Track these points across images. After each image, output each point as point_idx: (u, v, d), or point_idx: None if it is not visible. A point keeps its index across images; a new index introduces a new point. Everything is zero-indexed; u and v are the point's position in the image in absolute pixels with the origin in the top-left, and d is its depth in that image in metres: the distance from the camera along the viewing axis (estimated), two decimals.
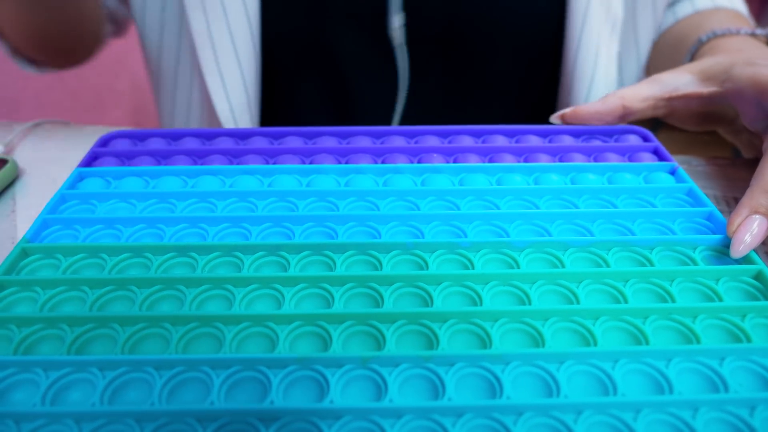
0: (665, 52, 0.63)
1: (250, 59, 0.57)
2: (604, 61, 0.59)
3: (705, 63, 0.45)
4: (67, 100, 1.22)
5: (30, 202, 0.44)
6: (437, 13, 0.58)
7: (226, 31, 0.55)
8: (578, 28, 0.57)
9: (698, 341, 0.29)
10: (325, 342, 0.29)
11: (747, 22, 0.59)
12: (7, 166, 0.46)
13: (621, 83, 0.65)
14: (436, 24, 0.58)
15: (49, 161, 0.49)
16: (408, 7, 0.57)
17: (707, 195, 0.44)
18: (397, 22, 0.56)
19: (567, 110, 0.46)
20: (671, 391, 0.26)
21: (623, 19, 0.60)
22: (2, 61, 1.11)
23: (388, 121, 0.62)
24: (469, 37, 0.59)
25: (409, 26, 0.58)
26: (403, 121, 0.62)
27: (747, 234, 0.34)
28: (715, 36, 0.53)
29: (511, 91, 0.64)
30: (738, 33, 0.52)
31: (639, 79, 0.65)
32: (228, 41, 0.56)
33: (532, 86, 0.64)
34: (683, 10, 0.63)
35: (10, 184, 0.46)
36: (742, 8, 0.62)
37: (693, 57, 0.55)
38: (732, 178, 0.46)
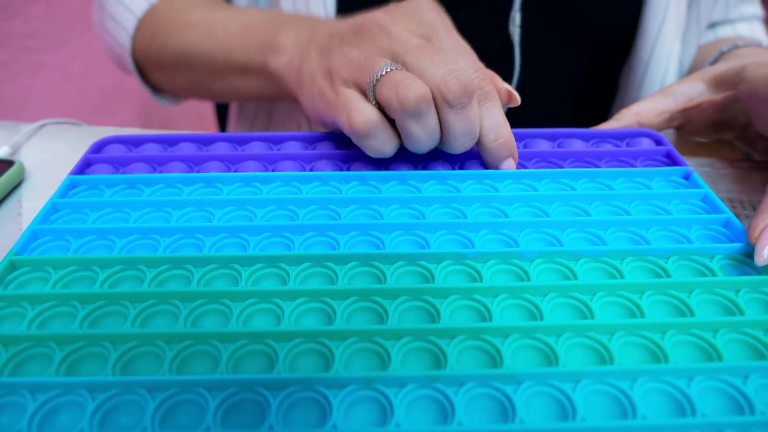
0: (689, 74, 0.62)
1: None
2: (674, 61, 0.58)
3: (717, 69, 0.44)
4: (75, 100, 1.20)
5: (36, 205, 0.42)
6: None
7: None
8: (656, 26, 0.56)
9: (720, 358, 0.27)
10: (327, 360, 0.28)
11: None
12: (13, 168, 0.44)
13: None
14: (547, 12, 0.58)
15: (56, 162, 0.48)
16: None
17: (731, 198, 0.42)
18: (517, 20, 0.56)
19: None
20: (694, 413, 0.25)
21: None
22: (9, 60, 1.10)
23: None
24: (557, 28, 0.58)
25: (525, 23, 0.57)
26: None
27: None
28: (737, 47, 0.52)
29: (578, 85, 0.63)
30: (759, 45, 0.51)
31: None
32: None
33: (599, 82, 0.63)
34: (705, 38, 0.63)
35: (17, 186, 0.45)
36: (766, 41, 0.61)
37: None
38: (757, 181, 0.45)
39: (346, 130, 0.37)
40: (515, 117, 0.56)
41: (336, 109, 0.37)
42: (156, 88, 0.62)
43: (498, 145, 0.38)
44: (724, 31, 0.63)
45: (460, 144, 0.37)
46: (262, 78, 0.48)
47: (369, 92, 0.36)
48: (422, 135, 0.36)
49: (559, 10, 0.58)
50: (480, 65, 0.38)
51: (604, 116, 0.65)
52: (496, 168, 0.39)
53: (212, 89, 0.56)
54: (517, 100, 0.39)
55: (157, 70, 0.58)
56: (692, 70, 0.62)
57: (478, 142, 0.38)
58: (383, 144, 0.37)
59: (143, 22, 0.56)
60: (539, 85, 0.61)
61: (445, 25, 0.38)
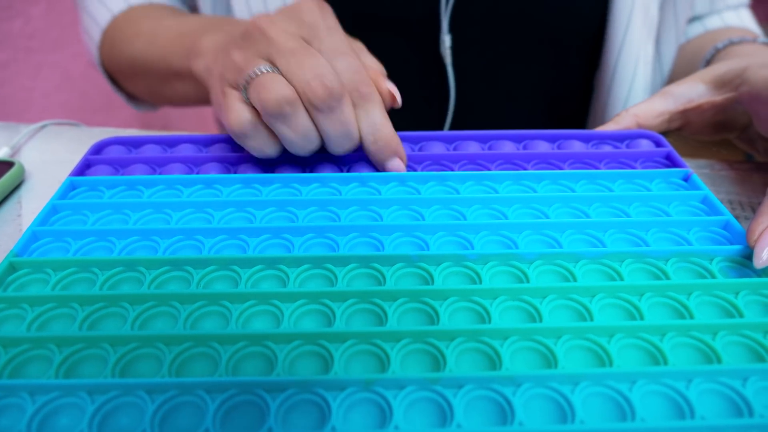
0: (678, 70, 0.62)
1: None
2: (643, 64, 0.58)
3: (717, 69, 0.43)
4: (75, 100, 1.21)
5: (36, 206, 0.42)
6: (483, 18, 0.57)
7: None
8: (621, 33, 0.56)
9: (719, 360, 0.27)
10: (326, 362, 0.28)
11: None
12: (13, 169, 0.44)
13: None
14: (480, 28, 0.58)
15: (56, 164, 0.48)
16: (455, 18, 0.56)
17: (731, 200, 0.42)
18: (447, 42, 0.56)
19: None
20: (693, 415, 0.25)
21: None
22: (11, 61, 1.10)
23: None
24: (512, 40, 0.59)
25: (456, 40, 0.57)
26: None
27: None
28: (732, 43, 0.52)
29: (549, 94, 0.63)
30: (754, 41, 0.51)
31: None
32: None
33: (570, 89, 0.63)
34: (694, 30, 0.63)
35: (17, 187, 0.45)
36: (755, 28, 0.61)
37: (708, 64, 0.54)
38: (757, 182, 0.45)
39: (228, 131, 0.37)
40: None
41: (221, 110, 0.38)
42: (130, 96, 0.65)
43: (378, 147, 0.38)
44: (712, 22, 0.62)
45: (337, 146, 0.38)
46: (192, 82, 0.49)
47: (243, 94, 0.36)
48: (293, 137, 0.36)
49: (500, 26, 0.58)
50: (359, 67, 0.37)
51: (583, 124, 0.66)
52: (383, 170, 0.40)
53: (164, 94, 0.58)
54: (398, 102, 0.39)
55: (121, 77, 0.61)
56: (681, 65, 0.61)
57: (361, 144, 0.39)
58: (262, 144, 0.38)
59: (106, 33, 0.59)
60: (489, 103, 0.61)
61: (326, 26, 0.38)
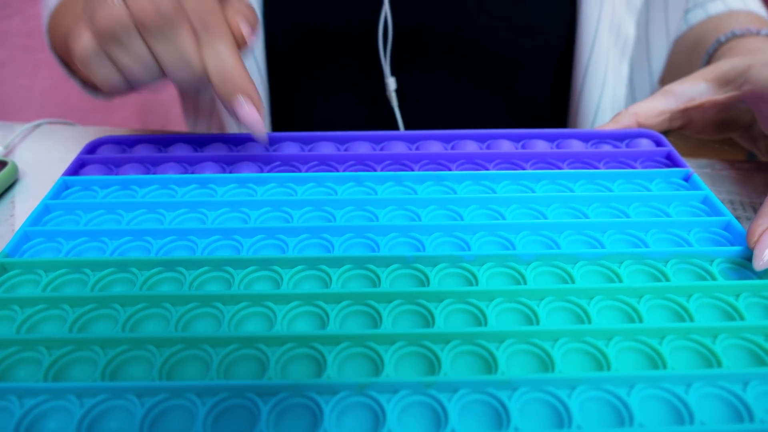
0: (679, 60, 0.61)
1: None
2: (611, 86, 0.57)
3: (720, 68, 0.43)
4: (73, 99, 1.20)
5: (30, 206, 0.42)
6: (441, 35, 0.57)
7: None
8: (586, 56, 0.55)
9: (720, 364, 0.27)
10: (319, 366, 0.27)
11: (766, 23, 0.58)
12: (7, 169, 0.44)
13: (633, 100, 0.63)
14: (429, 65, 0.57)
15: (51, 163, 0.47)
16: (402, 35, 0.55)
17: (732, 200, 0.42)
18: (392, 85, 0.55)
19: None
20: (692, 420, 0.25)
21: (636, 36, 0.59)
22: (8, 59, 1.10)
23: None
24: (475, 64, 0.58)
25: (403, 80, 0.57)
26: None
27: None
28: (735, 36, 0.51)
29: (521, 116, 0.62)
30: (758, 34, 0.50)
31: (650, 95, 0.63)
32: None
33: (541, 111, 0.62)
34: (696, 16, 0.62)
35: (10, 186, 0.45)
36: (760, 10, 0.60)
37: (711, 58, 0.53)
38: (758, 182, 0.44)
39: (75, 61, 0.36)
40: None
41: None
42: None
43: (222, 81, 0.35)
44: (714, 7, 0.61)
45: (176, 76, 0.35)
46: None
47: (88, 22, 0.35)
48: (130, 64, 0.35)
49: (452, 59, 0.57)
50: (214, 6, 0.35)
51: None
52: (234, 116, 0.36)
53: None
54: (248, 42, 0.37)
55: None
56: (683, 55, 0.61)
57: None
58: (106, 72, 0.35)
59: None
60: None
61: None
